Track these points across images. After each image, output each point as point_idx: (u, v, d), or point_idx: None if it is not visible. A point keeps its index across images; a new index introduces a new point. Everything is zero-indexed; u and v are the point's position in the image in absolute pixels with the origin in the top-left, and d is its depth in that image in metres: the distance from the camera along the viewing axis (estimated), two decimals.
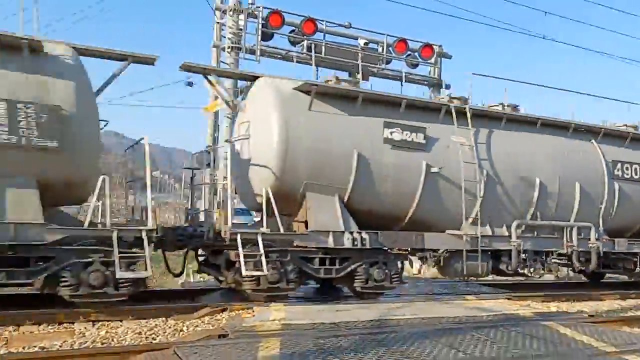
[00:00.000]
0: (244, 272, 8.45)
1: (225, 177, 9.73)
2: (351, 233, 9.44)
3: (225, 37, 14.39)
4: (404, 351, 5.94)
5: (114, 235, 7.73)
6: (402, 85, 13.60)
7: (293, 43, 14.46)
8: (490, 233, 11.00)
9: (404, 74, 13.89)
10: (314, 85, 9.61)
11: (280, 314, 7.79)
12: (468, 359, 5.70)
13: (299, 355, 5.66)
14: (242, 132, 10.10)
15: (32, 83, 7.66)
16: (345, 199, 9.73)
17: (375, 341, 6.35)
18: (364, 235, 9.52)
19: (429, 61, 14.09)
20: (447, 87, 14.80)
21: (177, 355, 5.60)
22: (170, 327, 7.44)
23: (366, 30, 14.90)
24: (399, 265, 10.35)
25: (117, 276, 7.62)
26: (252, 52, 13.99)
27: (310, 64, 13.09)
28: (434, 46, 14.29)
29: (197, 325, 7.58)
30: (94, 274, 7.60)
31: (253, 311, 8.04)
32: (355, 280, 9.62)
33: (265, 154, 9.38)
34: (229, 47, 14.12)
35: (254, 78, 10.21)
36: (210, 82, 10.52)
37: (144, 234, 8.04)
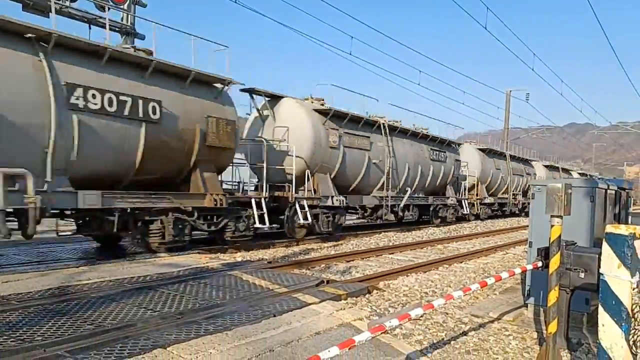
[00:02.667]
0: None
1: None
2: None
3: None
4: (87, 317, 5.55)
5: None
6: (90, 28, 12.22)
7: None
8: None
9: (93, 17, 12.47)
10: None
11: None
12: (156, 316, 5.69)
13: None
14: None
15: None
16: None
17: (54, 311, 5.75)
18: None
19: (121, 7, 12.99)
20: (142, 37, 14.00)
21: None
22: None
23: None
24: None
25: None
26: None
27: None
28: None
29: None
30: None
31: None
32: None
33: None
34: None
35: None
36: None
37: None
